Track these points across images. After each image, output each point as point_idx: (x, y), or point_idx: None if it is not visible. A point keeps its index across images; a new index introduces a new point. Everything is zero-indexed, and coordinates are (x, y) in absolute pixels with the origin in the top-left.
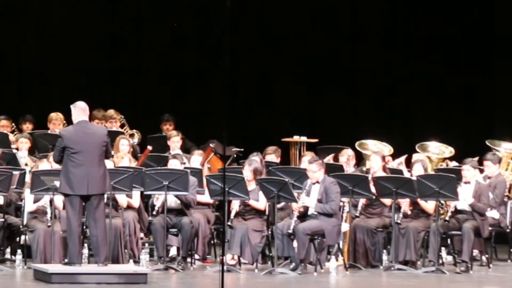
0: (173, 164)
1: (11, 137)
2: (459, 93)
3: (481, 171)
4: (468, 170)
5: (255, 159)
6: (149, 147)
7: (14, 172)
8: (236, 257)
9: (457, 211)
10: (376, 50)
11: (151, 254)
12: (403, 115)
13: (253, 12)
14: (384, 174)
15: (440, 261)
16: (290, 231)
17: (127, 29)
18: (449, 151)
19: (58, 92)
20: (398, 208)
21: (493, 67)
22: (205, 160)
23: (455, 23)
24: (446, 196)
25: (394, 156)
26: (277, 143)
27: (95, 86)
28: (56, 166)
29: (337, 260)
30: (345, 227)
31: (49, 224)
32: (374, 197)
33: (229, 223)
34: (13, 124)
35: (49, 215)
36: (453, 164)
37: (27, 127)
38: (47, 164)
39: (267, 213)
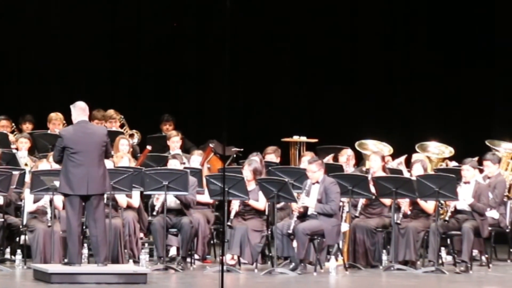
0: (173, 164)
1: (11, 137)
2: (459, 93)
3: (481, 171)
4: (468, 170)
5: (254, 159)
6: (148, 147)
7: (14, 172)
8: (235, 257)
9: (456, 211)
10: (376, 50)
11: (150, 254)
12: (403, 115)
13: (253, 12)
14: (383, 174)
15: (440, 261)
16: (290, 231)
17: (127, 29)
18: (448, 151)
19: (58, 92)
20: (397, 208)
21: (493, 67)
22: (205, 160)
23: (455, 23)
24: (446, 196)
25: (394, 156)
26: (276, 143)
27: (95, 86)
28: (56, 166)
29: (336, 260)
30: (344, 227)
31: (49, 224)
32: (373, 197)
33: (228, 223)
34: (13, 124)
35: (49, 215)
36: (452, 164)
37: (27, 127)
38: (47, 164)
39: (266, 213)
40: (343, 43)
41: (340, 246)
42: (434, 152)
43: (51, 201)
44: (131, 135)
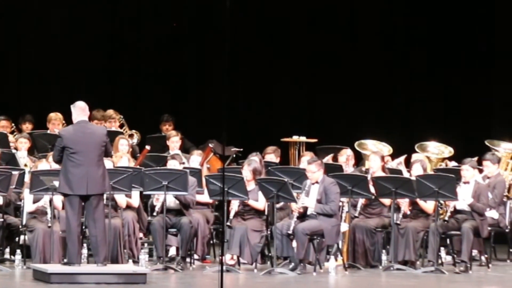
0: (172, 164)
1: (11, 137)
2: (459, 93)
3: (480, 171)
4: (467, 170)
5: (254, 159)
6: (148, 147)
7: (14, 172)
8: (235, 257)
9: (456, 211)
10: (376, 50)
11: (150, 254)
12: (402, 115)
13: (253, 12)
14: (383, 174)
15: (439, 261)
16: (290, 231)
17: (127, 29)
18: (448, 151)
19: (58, 92)
20: (397, 208)
21: (493, 67)
22: (205, 160)
23: (455, 23)
24: (445, 196)
25: (394, 156)
26: (276, 143)
27: (95, 86)
28: (55, 166)
29: (336, 260)
30: (344, 227)
31: (49, 224)
32: (373, 197)
33: (228, 223)
34: (13, 124)
35: (49, 215)
36: (452, 164)
37: (27, 127)
38: (46, 164)
39: (266, 213)
40: (343, 43)
41: (340, 246)
42: (434, 152)
43: (50, 201)
44: (131, 135)
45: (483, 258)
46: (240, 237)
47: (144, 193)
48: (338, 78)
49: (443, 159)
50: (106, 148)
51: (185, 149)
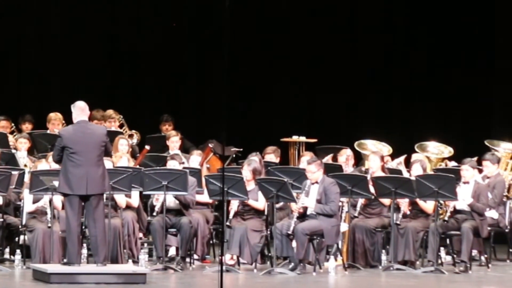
0: (172, 164)
1: (11, 138)
2: (459, 93)
3: (480, 171)
4: (467, 170)
5: (254, 159)
6: (147, 147)
7: (13, 172)
8: (235, 257)
9: (456, 211)
10: (376, 50)
11: (150, 254)
12: (402, 115)
13: (253, 12)
14: (383, 174)
15: (439, 261)
16: (290, 232)
17: (126, 29)
18: (448, 151)
19: (58, 92)
20: (397, 208)
21: (493, 67)
22: (204, 160)
23: (455, 23)
24: (445, 196)
25: (393, 156)
26: (276, 143)
27: (95, 86)
28: (55, 166)
29: (336, 260)
30: (344, 227)
31: (48, 224)
32: (373, 197)
33: (228, 223)
34: (13, 124)
35: (48, 215)
36: (452, 164)
37: (27, 127)
38: (46, 164)
39: (266, 213)
40: (343, 43)
41: (339, 246)
42: (434, 152)
43: (50, 201)
44: (131, 136)
45: (482, 258)
46: (240, 237)
47: (144, 193)
48: (338, 78)
49: (443, 159)
50: (106, 148)
51: (185, 149)
